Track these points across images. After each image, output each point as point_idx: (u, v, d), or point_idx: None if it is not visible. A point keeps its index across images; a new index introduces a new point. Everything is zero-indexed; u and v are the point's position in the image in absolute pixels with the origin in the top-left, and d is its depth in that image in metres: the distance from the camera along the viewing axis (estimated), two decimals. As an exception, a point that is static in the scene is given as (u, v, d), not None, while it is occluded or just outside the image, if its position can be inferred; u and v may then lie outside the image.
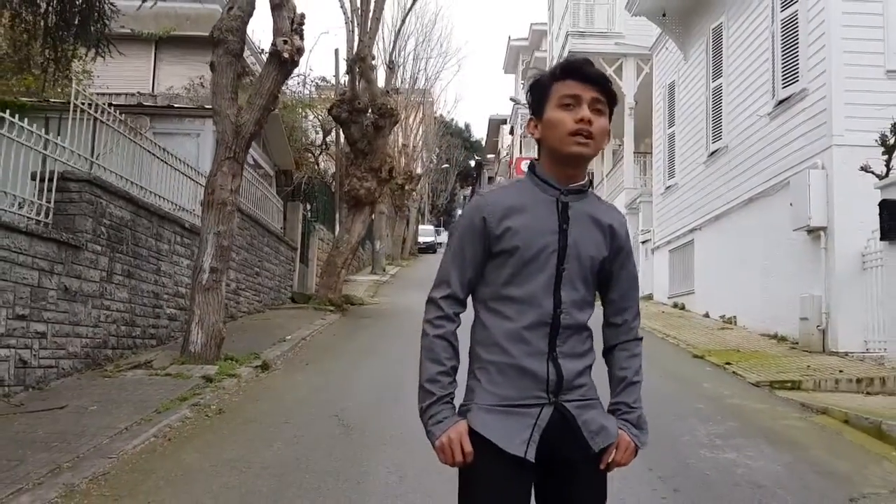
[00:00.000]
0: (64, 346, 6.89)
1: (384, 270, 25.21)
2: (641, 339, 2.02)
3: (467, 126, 63.52)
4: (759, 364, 8.51)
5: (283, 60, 7.73)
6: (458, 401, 1.89)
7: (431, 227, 47.09)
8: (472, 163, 63.31)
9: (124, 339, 8.09)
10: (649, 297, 17.04)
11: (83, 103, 8.12)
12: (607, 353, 2.01)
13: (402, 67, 27.22)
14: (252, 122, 7.55)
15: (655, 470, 4.38)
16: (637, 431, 1.93)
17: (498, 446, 1.80)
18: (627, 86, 20.24)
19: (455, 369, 1.91)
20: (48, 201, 7.01)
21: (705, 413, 6.09)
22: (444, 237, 39.85)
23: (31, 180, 6.99)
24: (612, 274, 1.97)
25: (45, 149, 7.12)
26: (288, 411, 6.03)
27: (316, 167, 20.82)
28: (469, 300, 1.97)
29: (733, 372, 8.20)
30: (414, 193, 34.93)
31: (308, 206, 19.15)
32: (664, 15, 15.13)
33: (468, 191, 62.41)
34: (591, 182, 1.99)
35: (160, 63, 22.65)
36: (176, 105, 13.36)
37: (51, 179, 7.10)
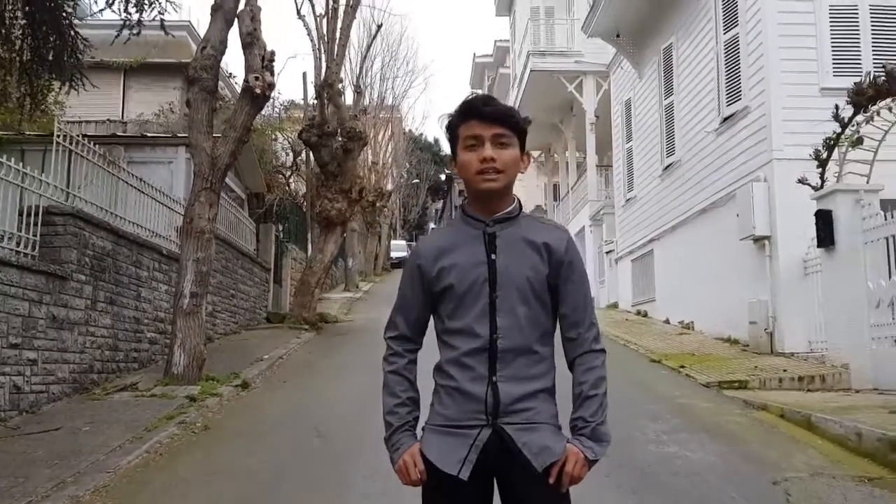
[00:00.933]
0: (53, 372, 7.25)
1: (357, 287, 25.60)
2: (601, 350, 2.05)
3: (436, 140, 64.14)
4: (711, 366, 9.09)
5: (256, 96, 8.22)
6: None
7: (403, 242, 47.52)
8: (443, 176, 63.91)
9: (109, 364, 8.45)
10: (615, 306, 17.67)
11: (62, 137, 8.48)
12: (570, 368, 2.07)
13: (369, 87, 27.72)
14: (227, 153, 8.01)
15: (602, 463, 4.88)
16: (591, 443, 1.96)
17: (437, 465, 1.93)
18: (588, 102, 20.93)
19: (412, 399, 2.05)
20: (35, 235, 7.37)
21: (655, 412, 6.63)
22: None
23: (17, 215, 7.37)
24: (557, 289, 2.02)
25: (32, 185, 7.49)
26: (269, 426, 6.47)
27: (287, 188, 21.20)
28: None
29: (686, 374, 8.76)
30: (385, 210, 35.36)
31: (280, 227, 19.54)
32: (618, 36, 15.83)
33: (439, 204, 63.01)
34: (520, 206, 2.07)
35: (129, 90, 22.98)
36: (149, 134, 13.70)
37: (36, 214, 7.46)
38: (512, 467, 1.91)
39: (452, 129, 2.03)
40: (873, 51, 9.96)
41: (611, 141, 19.10)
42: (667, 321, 13.84)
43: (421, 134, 53.39)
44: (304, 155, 21.23)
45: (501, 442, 1.90)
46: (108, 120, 21.54)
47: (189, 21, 22.44)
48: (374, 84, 30.94)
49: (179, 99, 22.44)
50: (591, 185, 20.91)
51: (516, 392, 1.92)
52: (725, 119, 11.28)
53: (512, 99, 26.83)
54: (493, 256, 1.97)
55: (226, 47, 8.29)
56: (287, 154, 22.23)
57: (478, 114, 1.97)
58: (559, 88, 21.20)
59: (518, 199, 2.08)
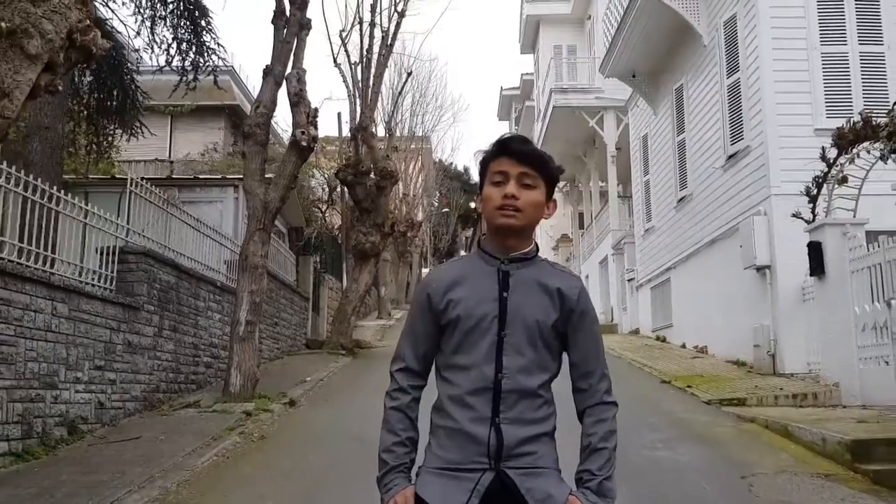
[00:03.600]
0: (128, 391, 8.35)
1: (390, 315, 26.65)
2: (612, 403, 2.02)
3: (466, 169, 65.35)
4: (715, 386, 9.91)
5: (301, 148, 9.36)
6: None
7: (434, 271, 48.42)
8: (472, 205, 64.92)
9: (172, 384, 9.54)
10: (636, 332, 18.44)
11: (133, 184, 9.65)
12: (579, 418, 2.03)
13: (400, 124, 28.98)
14: (277, 198, 9.14)
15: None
16: (596, 498, 1.90)
17: None
18: (609, 136, 21.88)
19: (411, 440, 1.99)
20: (112, 271, 8.52)
21: (655, 424, 7.50)
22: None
23: (96, 253, 8.52)
24: (567, 338, 2.00)
25: (109, 228, 8.65)
26: (317, 436, 7.47)
27: (323, 221, 22.40)
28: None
29: (691, 393, 9.59)
30: (416, 239, 36.49)
31: (317, 258, 20.70)
32: (634, 76, 16.82)
33: (469, 232, 64.04)
34: (537, 250, 2.06)
35: (176, 131, 24.44)
36: (200, 176, 14.91)
37: (113, 253, 8.62)
38: None
39: (484, 164, 2.04)
40: (863, 93, 10.82)
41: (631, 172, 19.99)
42: (683, 346, 14.61)
43: (451, 163, 54.59)
44: (339, 190, 22.46)
45: (503, 487, 1.86)
46: (156, 159, 23.03)
47: (232, 66, 23.96)
48: (405, 119, 32.17)
49: (223, 139, 23.92)
50: (612, 215, 21.78)
51: (520, 435, 1.89)
52: (730, 157, 12.17)
53: (537, 132, 27.90)
54: (504, 294, 1.94)
55: (275, 106, 9.47)
56: (323, 189, 23.47)
57: (510, 151, 1.99)
58: (581, 123, 22.20)
59: (536, 243, 2.09)
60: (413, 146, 33.79)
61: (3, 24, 2.74)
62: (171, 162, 23.17)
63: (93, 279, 8.07)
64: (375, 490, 1.97)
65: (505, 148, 2.00)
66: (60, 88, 3.36)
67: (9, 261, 6.45)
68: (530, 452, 1.89)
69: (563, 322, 1.98)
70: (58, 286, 7.02)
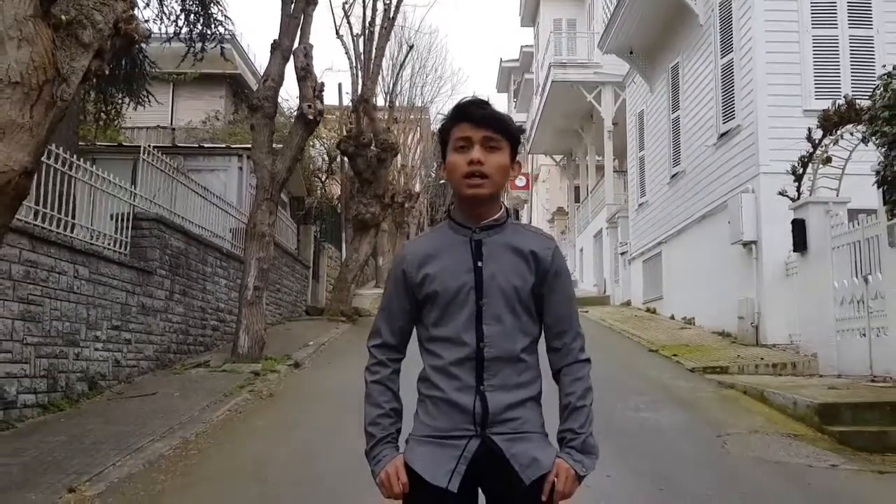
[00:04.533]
0: (142, 351, 8.78)
1: (387, 284, 27.10)
2: (586, 360, 2.03)
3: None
4: (700, 355, 10.38)
5: (308, 121, 9.70)
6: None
7: (430, 241, 48.75)
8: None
9: (181, 346, 9.98)
10: (627, 304, 18.91)
11: (145, 153, 9.99)
12: (555, 378, 2.04)
13: (399, 94, 29.16)
14: (284, 170, 9.50)
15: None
16: (581, 457, 1.93)
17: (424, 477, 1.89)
18: (606, 111, 22.16)
19: (395, 410, 2.01)
20: (126, 237, 8.90)
21: (641, 389, 7.96)
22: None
23: (111, 220, 8.90)
24: (542, 298, 1.99)
25: (123, 195, 9.02)
26: (322, 394, 7.93)
27: (323, 191, 22.74)
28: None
29: (677, 361, 10.06)
30: (413, 210, 36.79)
31: (317, 228, 21.07)
32: (631, 52, 17.08)
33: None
34: (507, 213, 2.03)
35: (177, 98, 24.60)
36: (205, 145, 15.21)
37: (126, 219, 8.99)
38: (500, 479, 1.89)
39: (444, 131, 2.01)
40: (852, 75, 11.16)
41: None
42: (672, 317, 15.08)
43: (449, 135, 54.48)
44: (339, 160, 22.76)
45: (490, 452, 1.89)
46: (158, 126, 23.25)
47: (233, 34, 24.09)
48: (404, 90, 32.31)
49: (224, 107, 24.12)
50: (608, 189, 22.13)
51: (504, 401, 1.90)
52: (722, 135, 12.53)
53: (535, 105, 28.15)
54: (479, 264, 1.95)
55: (283, 80, 9.77)
56: (323, 159, 23.76)
57: (469, 116, 1.95)
58: (579, 97, 22.46)
59: (506, 206, 2.06)
60: (412, 116, 33.97)
61: (62, 17, 3.10)
62: (173, 129, 23.41)
63: (109, 244, 8.45)
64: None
65: (464, 113, 1.97)
66: (107, 72, 3.71)
67: (35, 225, 6.83)
68: (515, 418, 1.91)
69: (539, 284, 1.98)
70: (79, 250, 7.42)
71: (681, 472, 5.06)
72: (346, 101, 21.22)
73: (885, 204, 7.57)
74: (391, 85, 21.02)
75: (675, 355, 10.45)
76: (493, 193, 1.97)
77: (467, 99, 2.01)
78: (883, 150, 7.11)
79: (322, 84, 9.92)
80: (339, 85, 28.54)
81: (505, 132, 1.96)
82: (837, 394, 7.00)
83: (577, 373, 2.00)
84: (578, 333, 2.04)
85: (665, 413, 6.85)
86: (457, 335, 1.92)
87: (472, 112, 1.96)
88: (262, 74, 10.04)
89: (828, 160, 9.60)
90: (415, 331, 2.07)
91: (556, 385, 2.03)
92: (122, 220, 8.92)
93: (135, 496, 4.58)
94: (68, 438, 5.83)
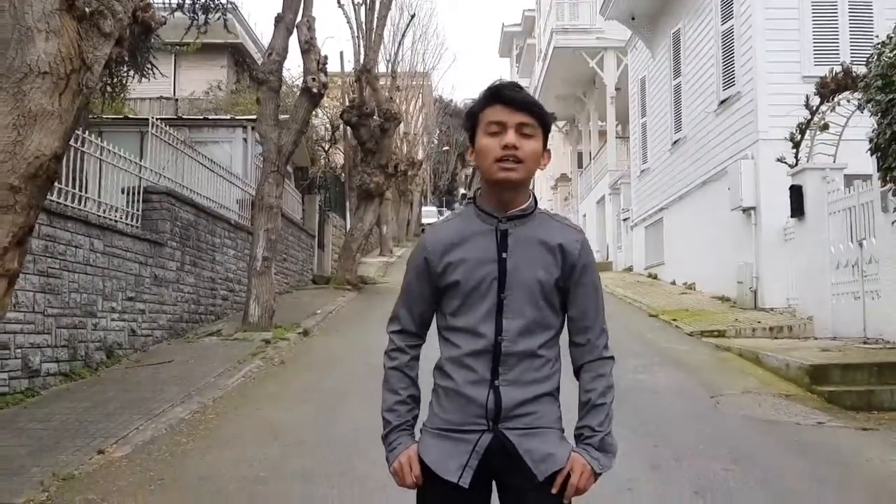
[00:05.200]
0: (156, 320, 9.06)
1: (391, 252, 27.35)
2: (610, 357, 1.99)
3: (466, 107, 65.10)
4: (699, 319, 10.63)
5: (313, 94, 9.86)
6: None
7: (434, 209, 49.05)
8: (467, 158, 64.78)
9: (193, 315, 10.25)
10: (629, 269, 19.16)
11: (154, 127, 10.16)
12: (576, 374, 2.01)
13: (401, 61, 29.12)
14: (290, 142, 9.68)
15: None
16: (598, 454, 1.90)
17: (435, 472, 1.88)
18: (609, 76, 22.19)
19: (413, 397, 1.99)
20: (137, 210, 9.13)
21: (639, 352, 8.23)
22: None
23: (122, 193, 9.11)
24: (568, 292, 1.95)
25: (133, 169, 9.22)
26: (331, 360, 8.22)
27: (327, 160, 22.89)
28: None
29: (676, 326, 10.32)
30: (416, 178, 36.92)
31: (321, 197, 21.26)
32: (633, 18, 17.10)
33: (469, 170, 64.30)
34: (535, 203, 1.98)
35: (179, 69, 24.57)
36: (210, 117, 15.35)
37: (137, 192, 9.20)
38: (513, 474, 1.87)
39: (473, 115, 1.95)
40: (850, 42, 11.25)
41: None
42: (673, 283, 15.32)
43: (451, 101, 54.49)
44: (341, 129, 22.86)
45: (503, 448, 1.86)
46: (161, 97, 23.30)
47: (234, 3, 24.02)
48: (406, 57, 32.22)
49: (226, 77, 24.14)
50: (610, 156, 22.25)
51: (518, 397, 1.87)
52: (722, 102, 12.64)
53: (538, 71, 28.12)
54: (503, 255, 1.90)
55: (287, 53, 9.91)
56: (326, 128, 23.86)
57: (505, 100, 1.89)
58: (582, 63, 22.46)
59: (534, 194, 2.00)
60: (414, 83, 33.91)
61: (85, 9, 3.28)
62: (176, 100, 23.46)
63: (121, 217, 8.68)
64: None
65: (499, 95, 1.90)
66: (126, 59, 3.90)
67: (51, 200, 7.04)
68: (529, 413, 1.87)
69: (565, 278, 1.93)
70: (94, 224, 7.66)
71: (674, 430, 5.34)
72: (349, 68, 21.25)
73: (878, 171, 7.73)
74: (393, 53, 20.97)
75: (674, 320, 10.70)
76: (524, 180, 1.92)
77: (501, 81, 1.94)
78: (876, 117, 7.26)
79: (325, 57, 10.07)
80: (341, 53, 28.50)
81: (540, 119, 1.91)
82: (828, 355, 7.25)
83: (599, 370, 1.97)
84: (603, 330, 2.00)
85: (661, 375, 7.12)
86: (475, 327, 1.89)
87: (507, 95, 1.89)
88: (264, 46, 10.16)
89: (825, 127, 9.74)
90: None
91: (576, 380, 2.00)
92: (133, 193, 9.13)
93: (160, 457, 4.87)
94: (92, 404, 6.12)
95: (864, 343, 8.26)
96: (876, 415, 5.90)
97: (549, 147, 1.99)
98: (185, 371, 7.43)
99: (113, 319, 8.02)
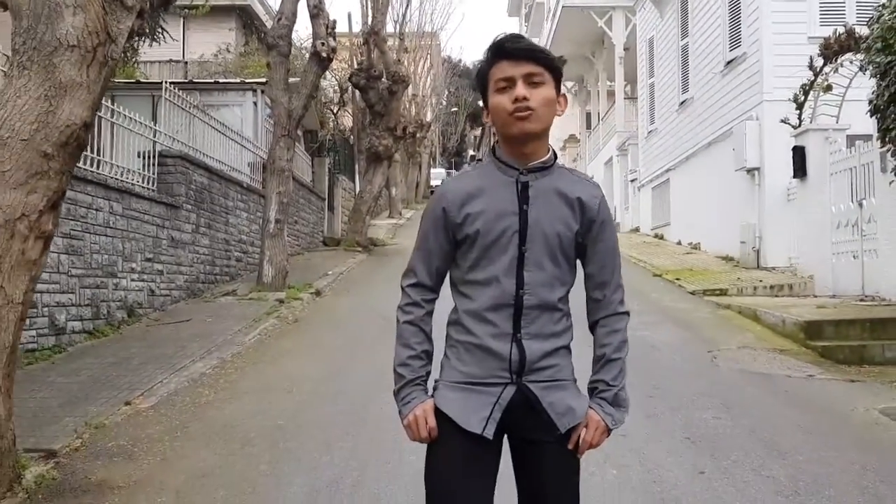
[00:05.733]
0: (173, 281, 9.37)
1: (400, 214, 27.58)
2: (625, 313, 2.00)
3: (475, 66, 64.44)
4: (702, 278, 10.86)
5: (322, 59, 10.01)
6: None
7: (443, 170, 48.96)
8: (481, 103, 64.45)
9: (209, 276, 10.56)
10: (636, 230, 19.35)
11: (167, 92, 10.35)
12: (591, 329, 2.02)
13: (409, 21, 29.00)
14: (300, 107, 9.87)
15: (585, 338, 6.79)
16: (612, 409, 1.92)
17: (458, 423, 1.86)
18: (617, 36, 22.11)
19: (427, 353, 1.96)
20: (153, 173, 9.37)
21: (641, 310, 8.42)
22: (455, 179, 41.82)
23: (138, 157, 9.35)
24: (585, 248, 1.94)
25: (147, 133, 9.44)
26: (344, 318, 8.52)
27: (336, 123, 23.00)
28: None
29: (679, 285, 10.55)
30: (425, 140, 36.95)
31: (331, 160, 21.45)
32: (641, -23, 17.03)
33: (478, 131, 64.06)
34: (555, 156, 1.94)
35: (188, 31, 24.57)
36: (220, 80, 15.48)
37: (152, 156, 9.43)
38: (532, 426, 1.89)
39: (482, 75, 1.93)
40: (857, 1, 11.25)
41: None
42: (679, 243, 15.53)
43: (459, 60, 54.11)
44: (350, 91, 22.93)
45: (525, 400, 1.87)
46: (170, 60, 23.36)
47: (243, -37, 23.92)
48: (414, 17, 32.04)
49: (235, 39, 24.16)
50: (618, 116, 22.28)
51: (541, 349, 1.88)
52: (728, 62, 12.70)
53: (546, 31, 27.97)
54: (524, 207, 1.88)
55: (296, 18, 10.03)
56: (334, 91, 23.91)
57: (507, 53, 1.87)
58: (590, 22, 22.37)
59: (554, 150, 1.96)
60: (422, 43, 33.76)
61: (109, -17, 3.50)
62: (186, 63, 23.53)
63: (138, 181, 8.93)
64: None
65: (501, 50, 1.88)
66: (147, 31, 4.09)
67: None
68: (551, 366, 1.89)
69: (584, 233, 1.92)
70: (113, 187, 7.91)
71: (670, 382, 5.60)
72: (356, 28, 21.27)
73: (878, 132, 7.87)
74: (401, 14, 20.94)
75: (677, 279, 10.93)
76: (542, 130, 1.89)
77: (501, 35, 1.90)
78: (876, 79, 7.38)
79: (334, 21, 10.19)
80: (349, 14, 28.36)
81: (547, 64, 1.88)
82: (824, 312, 7.49)
83: (614, 325, 1.97)
84: (619, 285, 2.00)
85: (661, 332, 7.38)
86: (496, 280, 1.87)
87: (508, 48, 1.87)
88: (272, 8, 10.28)
89: (828, 88, 9.83)
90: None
91: (591, 335, 2.00)
92: (147, 157, 9.36)
93: (184, 407, 5.18)
94: (116, 360, 6.44)
95: (861, 300, 8.48)
96: (866, 368, 6.16)
97: (563, 92, 1.97)
98: (203, 329, 7.73)
99: (133, 280, 8.32)
